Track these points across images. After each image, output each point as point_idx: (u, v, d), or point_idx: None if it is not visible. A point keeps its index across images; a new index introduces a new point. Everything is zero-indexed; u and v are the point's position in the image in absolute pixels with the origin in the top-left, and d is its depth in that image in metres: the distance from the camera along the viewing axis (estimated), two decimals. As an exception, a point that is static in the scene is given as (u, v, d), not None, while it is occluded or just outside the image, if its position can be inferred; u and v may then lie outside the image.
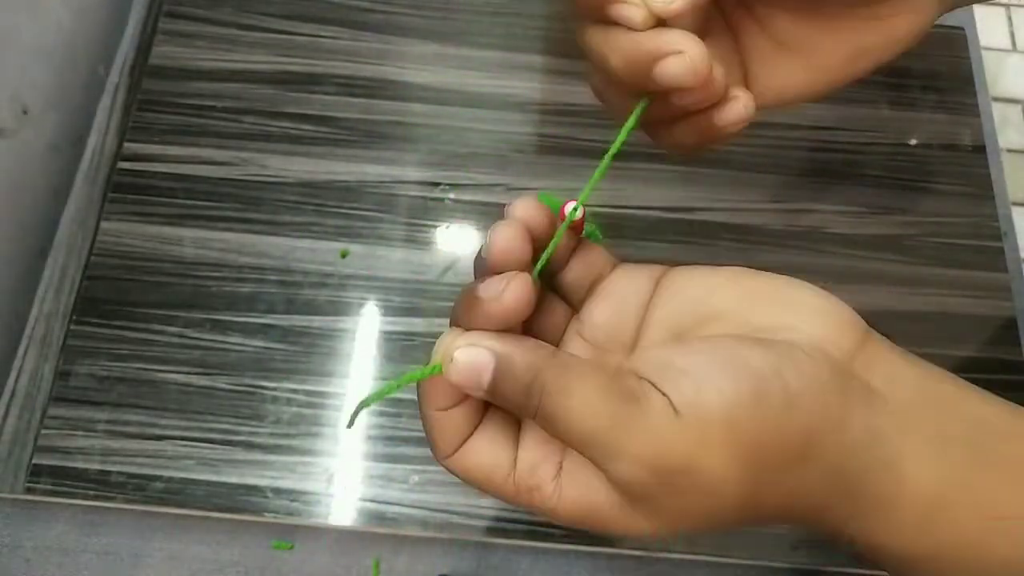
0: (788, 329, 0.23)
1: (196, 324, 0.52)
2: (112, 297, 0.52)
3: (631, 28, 0.25)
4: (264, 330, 0.52)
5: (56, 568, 0.47)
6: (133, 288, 0.53)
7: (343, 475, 0.48)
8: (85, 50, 0.61)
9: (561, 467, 0.24)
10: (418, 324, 0.53)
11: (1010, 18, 1.64)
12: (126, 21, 0.62)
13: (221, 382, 0.50)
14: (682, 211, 0.57)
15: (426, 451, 0.49)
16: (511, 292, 0.23)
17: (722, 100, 0.27)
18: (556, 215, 0.26)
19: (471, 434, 0.25)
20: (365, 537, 0.48)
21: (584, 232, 0.27)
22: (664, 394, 0.22)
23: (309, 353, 0.51)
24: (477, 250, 0.25)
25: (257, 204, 0.56)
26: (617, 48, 0.25)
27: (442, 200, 0.57)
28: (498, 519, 0.48)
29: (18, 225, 0.55)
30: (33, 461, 0.48)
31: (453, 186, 0.57)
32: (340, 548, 0.48)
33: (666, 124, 0.29)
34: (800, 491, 0.22)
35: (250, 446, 0.49)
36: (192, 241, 0.54)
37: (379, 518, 0.48)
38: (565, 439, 0.23)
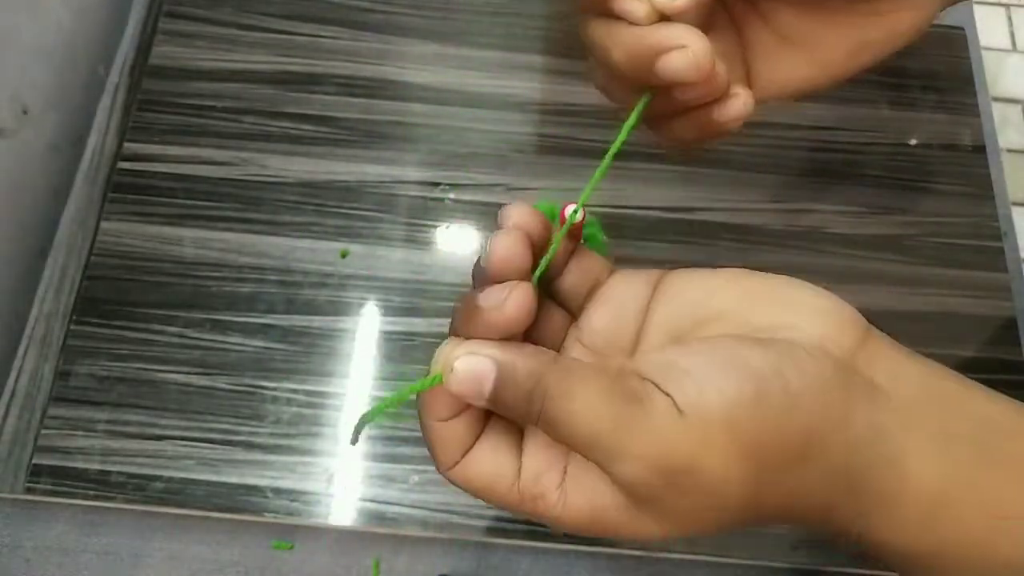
0: (789, 328, 0.23)
1: (196, 324, 0.52)
2: (112, 297, 0.52)
3: (634, 23, 0.25)
4: (264, 330, 0.52)
5: (56, 568, 0.47)
6: (133, 288, 0.53)
7: (343, 475, 0.48)
8: (85, 50, 0.61)
9: (566, 474, 0.24)
10: (418, 324, 0.52)
11: (1010, 18, 1.63)
12: (126, 21, 0.62)
13: (221, 382, 0.50)
14: (682, 211, 0.57)
15: (426, 451, 0.49)
16: (513, 301, 0.23)
17: (723, 96, 0.27)
18: (551, 220, 0.26)
19: (473, 444, 0.25)
20: (365, 537, 0.48)
21: (584, 232, 0.27)
22: (667, 394, 0.22)
23: (309, 353, 0.51)
24: (476, 259, 0.25)
25: (257, 204, 0.56)
26: (620, 42, 0.26)
27: (442, 200, 0.57)
28: (498, 519, 0.48)
29: (18, 225, 0.55)
30: (33, 461, 0.48)
31: (453, 186, 0.57)
32: (340, 548, 0.48)
33: (667, 118, 0.29)
34: (803, 490, 0.22)
35: (250, 446, 0.49)
36: (192, 241, 0.54)
37: (379, 518, 0.48)
38: (569, 443, 0.23)
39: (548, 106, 0.60)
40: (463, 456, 0.25)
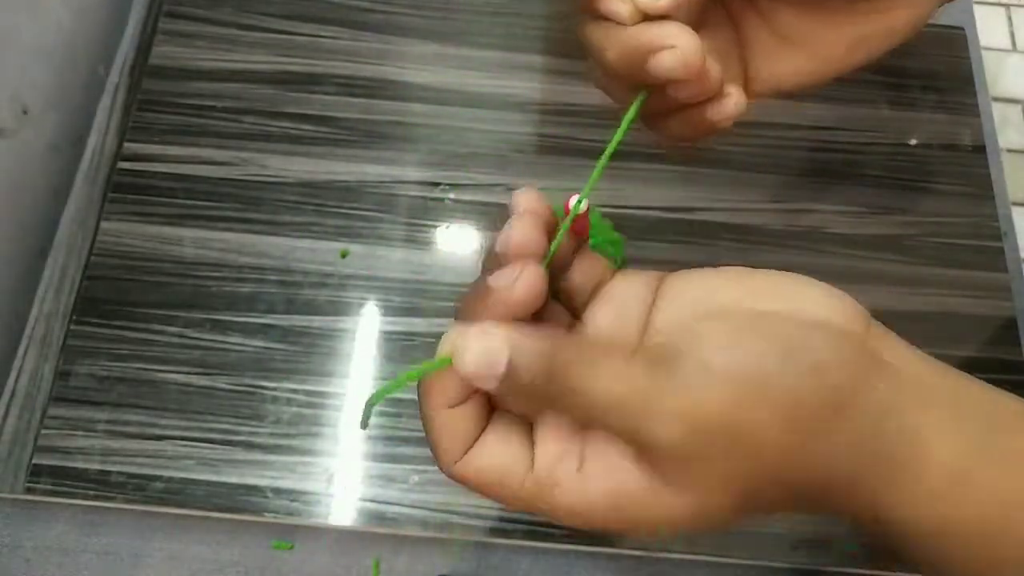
0: (798, 313, 0.23)
1: (196, 324, 0.52)
2: (112, 297, 0.52)
3: (620, 23, 0.25)
4: (264, 330, 0.52)
5: (56, 568, 0.47)
6: (133, 288, 0.53)
7: (343, 475, 0.48)
8: (85, 50, 0.61)
9: (583, 459, 0.23)
10: (418, 324, 0.52)
11: (1010, 18, 1.63)
12: (126, 21, 0.62)
13: (221, 382, 0.50)
14: (682, 211, 0.57)
15: (426, 451, 0.49)
16: (523, 281, 0.22)
17: (716, 95, 0.27)
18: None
19: (479, 436, 0.24)
20: (365, 537, 0.48)
21: (596, 231, 0.27)
22: (695, 355, 0.21)
23: (309, 353, 0.51)
24: (481, 255, 0.25)
25: (257, 204, 0.56)
26: (613, 43, 0.26)
27: (442, 200, 0.57)
28: (498, 519, 0.48)
29: (18, 225, 0.55)
30: (33, 461, 0.48)
31: (453, 186, 0.57)
32: (340, 548, 0.48)
33: (663, 116, 0.29)
34: (830, 458, 0.22)
35: (250, 446, 0.49)
36: (192, 241, 0.54)
37: (379, 518, 0.48)
38: (593, 414, 0.22)
39: (548, 106, 0.60)
40: (469, 449, 0.24)
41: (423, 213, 0.56)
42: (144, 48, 0.60)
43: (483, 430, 0.24)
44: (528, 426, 0.25)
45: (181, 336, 0.51)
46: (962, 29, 0.65)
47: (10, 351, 0.51)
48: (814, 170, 0.60)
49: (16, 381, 0.50)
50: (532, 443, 0.24)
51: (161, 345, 0.51)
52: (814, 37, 0.29)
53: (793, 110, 0.61)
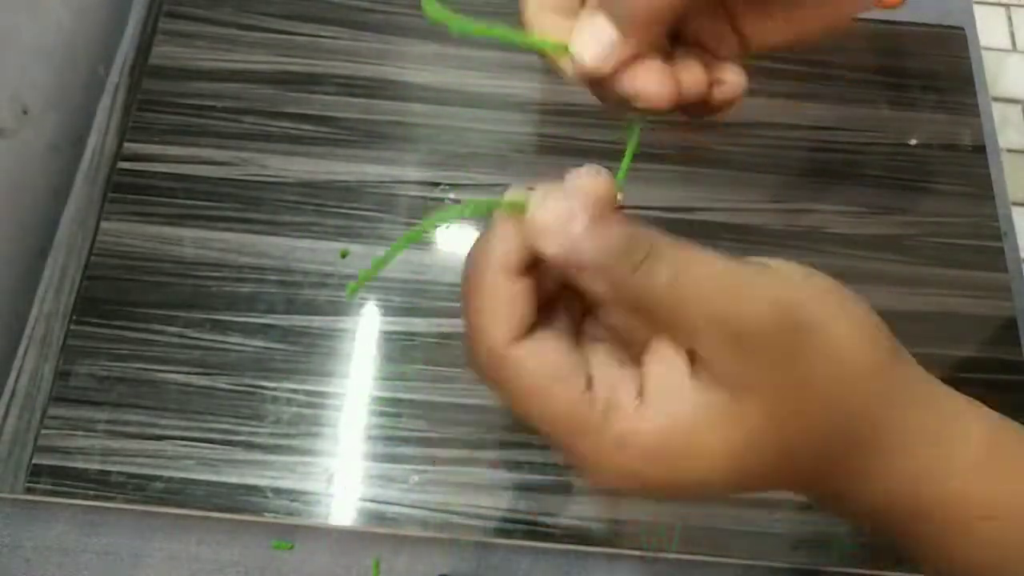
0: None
1: (196, 324, 0.52)
2: (112, 297, 0.52)
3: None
4: (264, 330, 0.52)
5: (56, 568, 0.47)
6: (133, 288, 0.53)
7: (343, 475, 0.48)
8: (85, 50, 0.61)
9: (642, 387, 0.21)
10: (418, 324, 0.52)
11: (1010, 18, 1.63)
12: (126, 21, 0.62)
13: (221, 382, 0.50)
14: (682, 211, 0.57)
15: (426, 451, 0.49)
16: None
17: (713, 83, 0.27)
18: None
19: (534, 327, 0.21)
20: (365, 537, 0.48)
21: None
22: (785, 267, 0.22)
23: (309, 353, 0.51)
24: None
25: (257, 204, 0.56)
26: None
27: (442, 200, 0.57)
28: (498, 519, 0.48)
29: (18, 225, 0.55)
30: (33, 461, 0.48)
31: (453, 186, 0.57)
32: (340, 548, 0.48)
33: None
34: (881, 402, 0.22)
35: (250, 446, 0.49)
36: (192, 241, 0.54)
37: (379, 518, 0.48)
38: (679, 293, 0.20)
39: (548, 106, 0.60)
40: (525, 335, 0.21)
41: (423, 213, 0.56)
42: (144, 48, 0.60)
43: (536, 327, 0.21)
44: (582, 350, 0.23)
45: (181, 336, 0.51)
46: (962, 29, 0.65)
47: (10, 351, 0.51)
48: (814, 170, 0.60)
49: (16, 381, 0.50)
50: (588, 362, 0.22)
51: (161, 345, 0.51)
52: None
53: (793, 110, 0.61)
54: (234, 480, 0.48)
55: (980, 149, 0.61)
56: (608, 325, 0.24)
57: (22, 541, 0.48)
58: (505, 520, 0.48)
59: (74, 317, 0.52)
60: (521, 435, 0.49)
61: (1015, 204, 0.63)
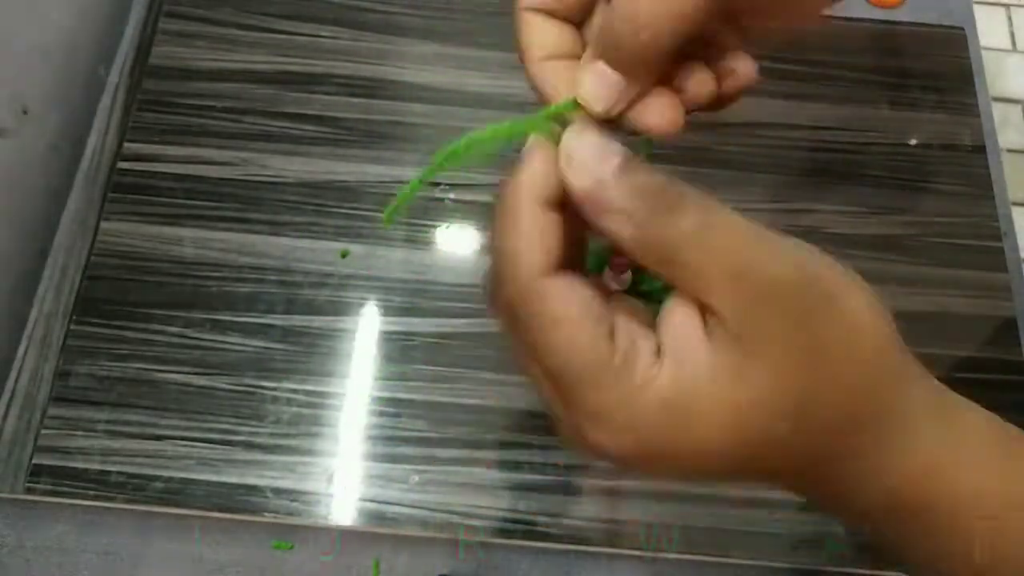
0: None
1: (196, 324, 0.52)
2: (112, 297, 0.52)
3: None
4: (264, 330, 0.52)
5: (56, 568, 0.47)
6: (133, 288, 0.53)
7: (343, 475, 0.48)
8: (85, 50, 0.61)
9: (661, 345, 0.21)
10: (418, 324, 0.52)
11: (1010, 18, 1.63)
12: (126, 21, 0.62)
13: (221, 382, 0.50)
14: (682, 211, 0.57)
15: (426, 451, 0.49)
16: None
17: (724, 74, 0.27)
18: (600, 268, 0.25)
19: (562, 265, 0.21)
20: (365, 537, 0.48)
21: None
22: (805, 244, 0.23)
23: (309, 353, 0.51)
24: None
25: (257, 204, 0.56)
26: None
27: (442, 200, 0.57)
28: (498, 519, 0.48)
29: (18, 225, 0.55)
30: (33, 461, 0.48)
31: (453, 186, 0.57)
32: (340, 548, 0.48)
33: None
34: (891, 381, 0.23)
35: (250, 446, 0.49)
36: (192, 241, 0.54)
37: (379, 518, 0.48)
38: (706, 235, 0.21)
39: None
40: (554, 271, 0.21)
41: (423, 213, 0.56)
42: (144, 48, 0.60)
43: (563, 266, 0.22)
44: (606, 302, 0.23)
45: (181, 336, 0.51)
46: (962, 29, 0.65)
47: (10, 351, 0.51)
48: (814, 170, 0.60)
49: (16, 381, 0.50)
50: (612, 314, 0.22)
51: (161, 345, 0.51)
52: None
53: (793, 110, 0.61)
54: (234, 480, 0.48)
55: (980, 149, 0.61)
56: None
57: (22, 541, 0.48)
58: (505, 520, 0.48)
59: (74, 317, 0.52)
60: (521, 435, 0.49)
61: (1015, 204, 0.63)
